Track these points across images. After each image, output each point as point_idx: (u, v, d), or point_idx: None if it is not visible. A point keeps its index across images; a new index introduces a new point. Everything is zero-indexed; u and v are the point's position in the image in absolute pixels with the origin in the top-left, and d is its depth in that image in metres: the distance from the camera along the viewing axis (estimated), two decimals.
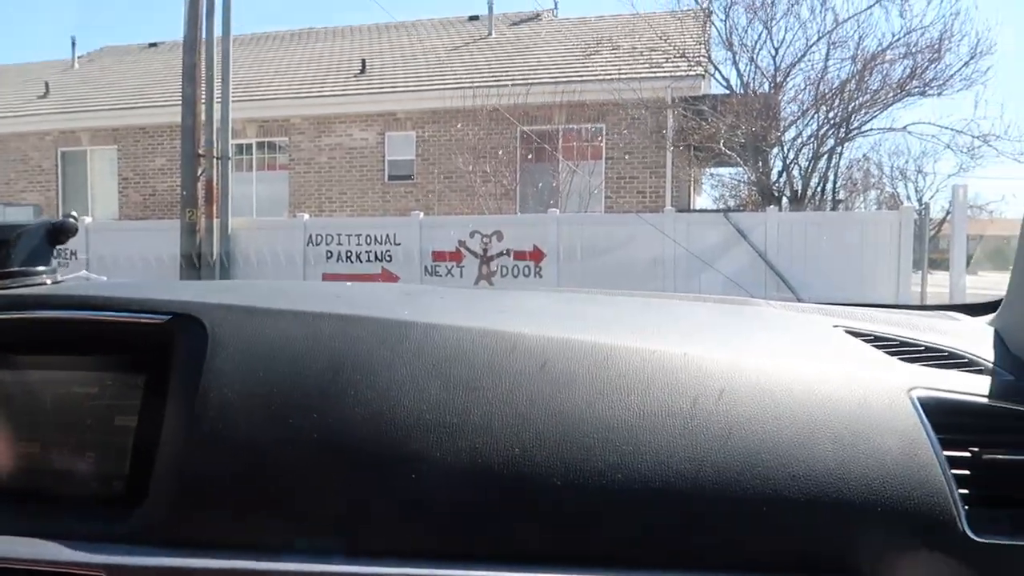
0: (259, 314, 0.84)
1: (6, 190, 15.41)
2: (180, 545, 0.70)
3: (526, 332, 0.82)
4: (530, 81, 12.65)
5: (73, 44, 19.19)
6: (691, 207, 13.38)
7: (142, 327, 0.83)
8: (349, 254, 9.46)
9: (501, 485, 0.69)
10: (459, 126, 12.52)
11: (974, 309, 1.19)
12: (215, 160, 9.34)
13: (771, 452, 0.70)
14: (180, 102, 9.43)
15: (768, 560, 0.67)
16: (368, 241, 9.38)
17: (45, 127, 15.43)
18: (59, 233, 1.02)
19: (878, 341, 0.94)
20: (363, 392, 0.75)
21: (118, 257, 9.27)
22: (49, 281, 0.98)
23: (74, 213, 1.06)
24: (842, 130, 11.25)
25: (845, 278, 8.00)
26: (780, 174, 11.49)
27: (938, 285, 9.27)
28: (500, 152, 12.39)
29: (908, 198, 26.34)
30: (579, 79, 12.62)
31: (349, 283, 1.10)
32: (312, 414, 0.74)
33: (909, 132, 11.48)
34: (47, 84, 16.62)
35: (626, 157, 12.38)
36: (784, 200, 11.15)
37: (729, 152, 10.90)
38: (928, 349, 0.93)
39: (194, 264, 9.08)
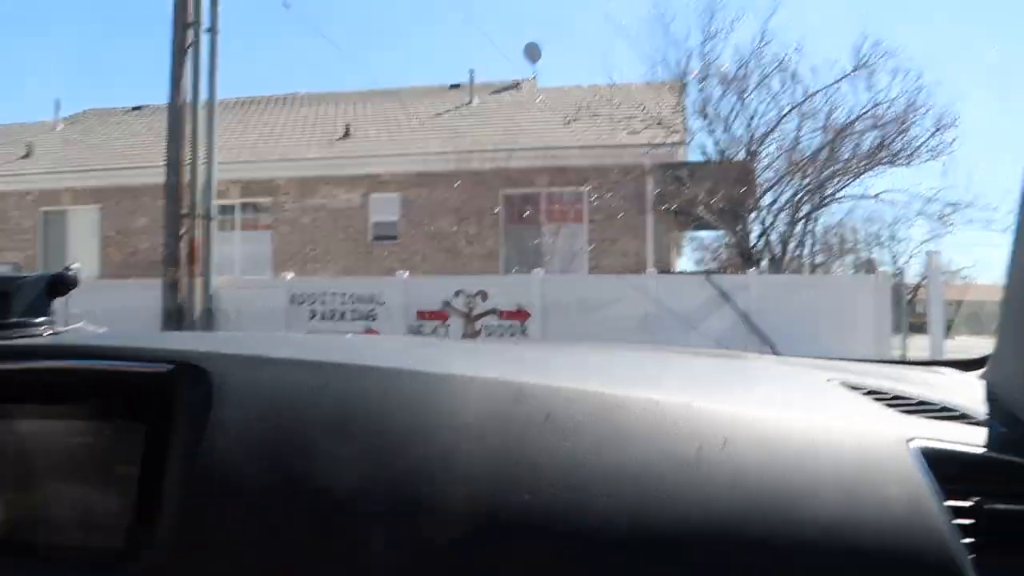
0: (264, 363, 0.84)
1: None
2: None
3: (531, 382, 0.82)
4: (511, 147, 12.88)
5: (57, 106, 19.28)
6: (673, 269, 13.54)
7: (144, 376, 0.83)
8: (333, 313, 9.42)
9: (508, 532, 0.69)
10: (454, 185, 12.66)
11: (962, 365, 1.21)
12: (199, 219, 9.36)
13: (776, 501, 0.70)
14: (164, 163, 9.49)
15: None
16: (353, 300, 9.36)
17: (27, 187, 15.42)
18: (59, 285, 1.02)
19: (873, 394, 0.96)
20: (368, 441, 0.75)
21: (99, 317, 9.15)
22: (47, 332, 0.97)
23: (76, 265, 1.06)
24: (817, 197, 11.53)
25: (827, 340, 8.08)
26: (759, 237, 11.70)
27: (918, 348, 9.37)
28: (491, 211, 12.53)
29: (884, 263, 26.79)
30: (560, 145, 12.87)
31: (350, 334, 1.11)
32: (317, 463, 0.73)
33: (881, 200, 11.81)
34: (29, 145, 16.67)
35: (608, 220, 12.56)
36: (764, 263, 11.33)
37: (708, 216, 11.11)
38: (921, 402, 0.94)
39: (178, 323, 8.99)
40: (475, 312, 8.99)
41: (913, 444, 0.78)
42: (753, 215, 11.69)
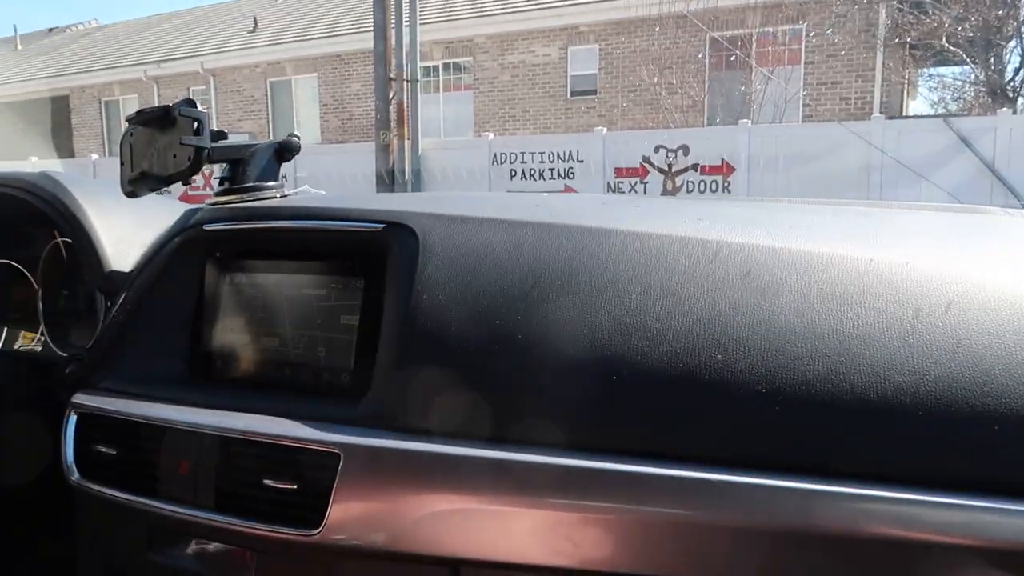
0: (465, 222, 0.87)
1: (225, 120, 17.04)
2: (401, 430, 0.77)
3: (728, 239, 0.79)
4: None
5: None
6: (903, 113, 12.05)
7: (360, 235, 0.90)
8: (532, 172, 9.57)
9: (703, 390, 0.69)
10: (656, 31, 11.98)
11: None
12: (405, 83, 9.72)
13: (1007, 369, 0.64)
14: (371, 29, 9.84)
15: (998, 484, 0.62)
16: (551, 158, 9.42)
17: (255, 60, 16.74)
18: (285, 151, 1.11)
19: None
20: (564, 297, 0.77)
21: (322, 178, 10.03)
22: (278, 195, 1.07)
23: (296, 133, 1.15)
24: None
25: None
26: (1017, 71, 9.99)
27: None
28: (696, 58, 11.78)
29: None
30: None
31: (546, 194, 1.12)
32: (516, 316, 0.77)
33: None
34: (255, 19, 17.94)
35: (828, 60, 11.29)
36: (1020, 101, 9.71)
37: (954, 48, 9.62)
38: None
39: (388, 183, 9.65)
40: (675, 168, 8.68)
41: None
42: (1012, 43, 9.93)
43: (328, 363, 0.90)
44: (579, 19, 13.32)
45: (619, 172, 9.04)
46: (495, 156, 9.83)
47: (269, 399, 0.88)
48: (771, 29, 11.52)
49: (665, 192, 8.78)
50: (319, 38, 16.09)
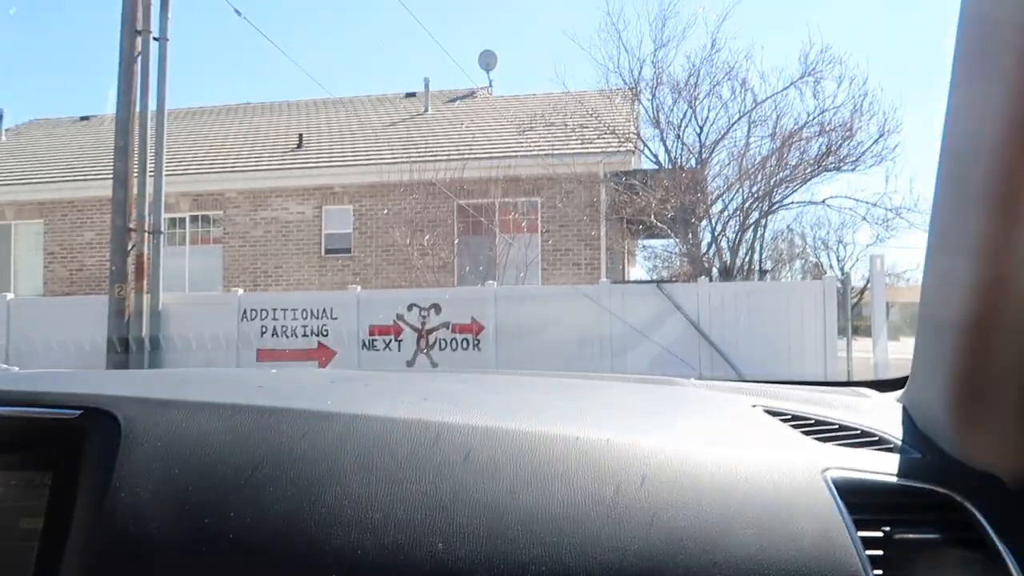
0: (176, 407, 0.82)
1: None
2: None
3: (450, 421, 0.82)
4: (466, 156, 12.89)
5: (0, 117, 18.68)
6: (626, 278, 13.67)
7: (51, 423, 0.80)
8: (285, 329, 9.28)
9: None
10: (399, 199, 12.61)
11: (883, 385, 1.24)
12: (147, 234, 9.15)
13: (693, 539, 0.71)
14: (111, 176, 9.26)
15: None
16: (304, 316, 9.23)
17: None
18: None
19: (795, 420, 0.97)
20: (282, 488, 0.73)
21: (43, 335, 8.85)
22: None
23: None
24: (765, 203, 11.75)
25: (775, 344, 8.25)
26: (709, 245, 11.88)
27: (863, 350, 9.61)
28: (444, 223, 12.49)
29: (831, 267, 27.35)
30: (514, 155, 12.92)
31: (274, 371, 1.09)
32: (229, 512, 0.72)
33: (828, 205, 12.09)
34: None
35: (561, 230, 12.63)
36: (714, 271, 11.50)
37: (660, 225, 11.25)
38: (842, 428, 0.96)
39: (123, 342, 8.75)
40: (428, 326, 8.94)
41: (828, 474, 0.80)
42: (704, 223, 11.87)
43: None
44: (333, 180, 13.68)
45: (373, 330, 9.08)
46: (245, 313, 9.42)
47: None
48: (511, 200, 12.70)
49: (419, 350, 8.94)
50: (48, 182, 14.76)
